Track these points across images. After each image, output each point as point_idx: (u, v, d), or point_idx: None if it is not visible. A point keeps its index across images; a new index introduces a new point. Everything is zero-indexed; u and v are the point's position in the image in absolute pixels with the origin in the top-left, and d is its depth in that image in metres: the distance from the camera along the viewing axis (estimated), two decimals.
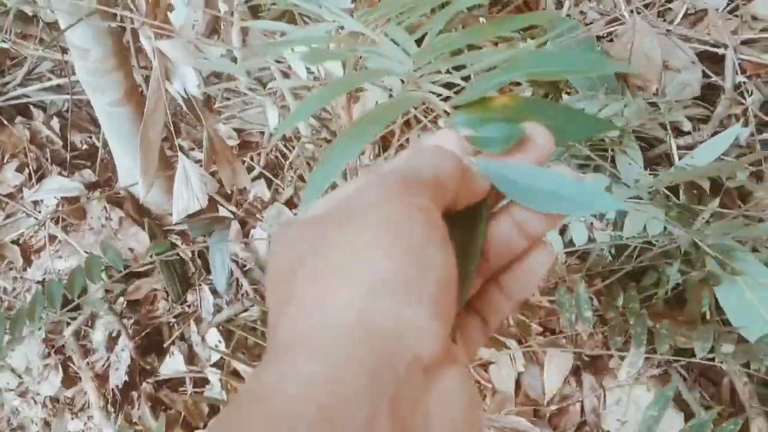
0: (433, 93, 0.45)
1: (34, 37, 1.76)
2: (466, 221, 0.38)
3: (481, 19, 1.54)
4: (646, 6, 1.66)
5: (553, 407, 1.28)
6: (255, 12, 1.31)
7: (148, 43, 1.21)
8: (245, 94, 1.45)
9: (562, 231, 1.43)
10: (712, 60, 1.57)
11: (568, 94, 1.38)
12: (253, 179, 1.56)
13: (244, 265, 1.49)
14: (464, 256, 0.37)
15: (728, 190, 1.28)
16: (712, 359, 1.10)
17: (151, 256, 1.14)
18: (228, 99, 1.62)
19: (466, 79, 0.54)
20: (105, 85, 1.26)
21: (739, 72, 1.52)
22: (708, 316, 1.19)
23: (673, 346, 1.16)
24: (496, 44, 1.47)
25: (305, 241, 0.32)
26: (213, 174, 1.42)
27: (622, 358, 1.25)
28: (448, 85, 0.49)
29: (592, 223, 1.36)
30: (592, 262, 1.28)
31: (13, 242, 1.53)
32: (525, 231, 0.39)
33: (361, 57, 0.66)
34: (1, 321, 1.14)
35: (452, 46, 0.52)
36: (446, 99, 0.44)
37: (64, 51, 1.57)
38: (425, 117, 1.46)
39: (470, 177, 0.37)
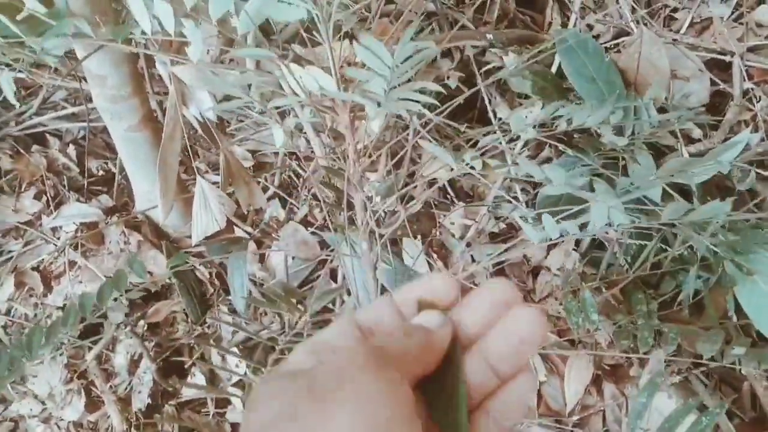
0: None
1: (48, 67, 1.79)
2: (444, 374, 0.40)
3: (489, 36, 1.56)
4: (652, 16, 1.68)
5: (575, 417, 1.28)
6: (267, 34, 1.33)
7: (164, 69, 1.24)
8: (259, 115, 1.47)
9: (578, 242, 1.43)
10: (720, 67, 1.58)
11: (578, 103, 1.39)
12: (268, 199, 1.58)
13: (262, 284, 1.50)
14: (449, 408, 0.39)
15: (740, 194, 1.29)
16: (733, 364, 1.10)
17: (170, 270, 1.15)
18: (241, 121, 1.64)
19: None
20: (122, 111, 1.28)
21: (746, 78, 1.54)
22: (734, 320, 1.19)
23: (693, 352, 1.16)
24: (505, 49, 1.49)
25: (283, 402, 0.33)
26: (229, 195, 1.44)
27: (642, 366, 1.25)
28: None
29: (606, 232, 1.37)
30: (607, 269, 1.29)
31: (33, 269, 1.55)
32: (497, 371, 0.40)
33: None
34: (21, 346, 1.15)
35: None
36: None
37: (81, 79, 1.60)
38: (423, 127, 1.47)
39: (431, 339, 0.39)
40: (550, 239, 0.84)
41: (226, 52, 1.39)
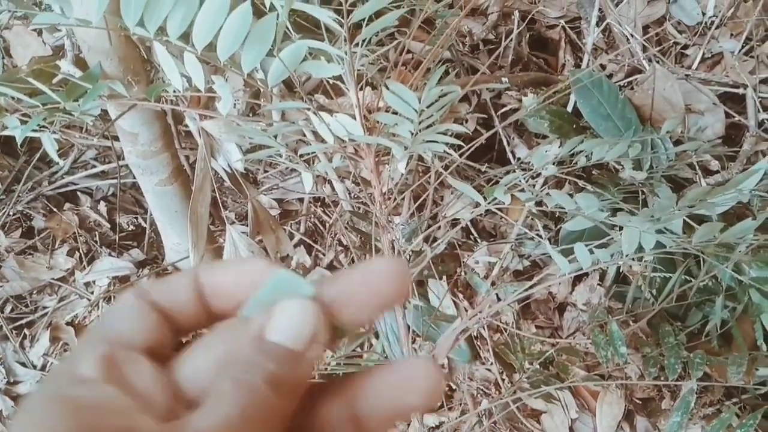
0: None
1: (79, 127, 1.85)
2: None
3: (504, 79, 1.60)
4: (663, 54, 1.72)
5: None
6: (290, 87, 1.38)
7: (193, 124, 1.29)
8: (284, 165, 1.51)
9: (602, 276, 1.45)
10: (733, 100, 1.61)
11: (594, 134, 1.42)
12: (294, 246, 1.61)
13: None
14: None
15: (763, 222, 1.30)
16: (762, 384, 1.10)
17: None
18: (266, 171, 1.69)
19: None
20: (153, 166, 1.33)
21: (761, 110, 1.56)
22: (764, 348, 1.19)
23: (724, 384, 1.16)
24: (521, 92, 1.53)
25: None
26: (257, 243, 1.47)
27: (674, 398, 1.25)
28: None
29: (630, 266, 1.38)
30: (632, 303, 1.29)
31: (67, 324, 1.58)
32: (361, 427, 0.30)
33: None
34: None
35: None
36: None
37: (114, 138, 1.66)
38: (445, 169, 1.50)
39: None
40: (579, 270, 0.86)
41: (253, 104, 1.44)
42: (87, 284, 1.63)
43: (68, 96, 1.11)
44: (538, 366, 1.29)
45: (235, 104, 1.27)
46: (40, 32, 1.77)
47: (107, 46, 1.13)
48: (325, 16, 0.71)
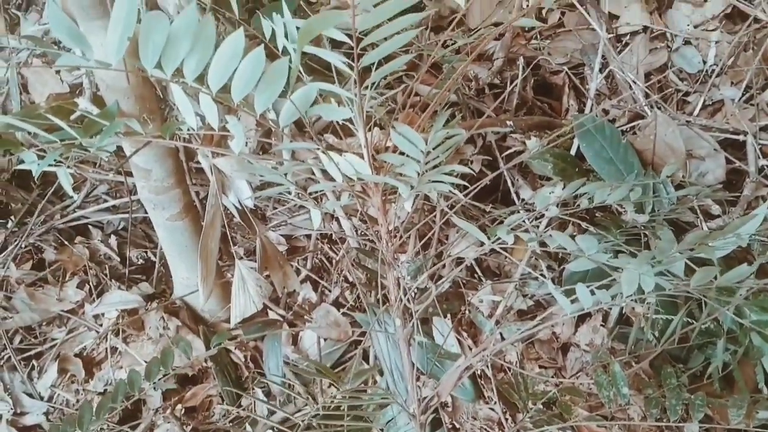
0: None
1: (92, 162, 1.90)
2: None
3: (509, 122, 1.64)
4: (665, 100, 1.76)
5: None
6: (300, 126, 1.42)
7: (206, 161, 1.32)
8: (293, 202, 1.54)
9: (605, 317, 1.46)
10: (734, 146, 1.64)
11: (597, 177, 1.45)
12: (301, 282, 1.63)
13: (295, 366, 1.54)
14: None
15: (762, 267, 1.32)
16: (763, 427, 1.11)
17: (214, 346, 1.20)
18: (275, 208, 1.72)
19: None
20: (165, 201, 1.36)
21: (761, 156, 1.59)
22: (765, 391, 1.20)
23: (726, 427, 1.17)
24: (525, 135, 1.56)
25: None
26: (265, 278, 1.49)
27: None
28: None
29: (633, 308, 1.40)
30: (635, 344, 1.31)
31: (75, 355, 1.60)
32: None
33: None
34: (72, 422, 1.18)
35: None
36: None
37: (127, 174, 1.69)
38: (450, 209, 1.52)
39: None
40: (581, 311, 0.87)
41: (263, 143, 1.48)
42: (96, 317, 1.65)
43: (86, 132, 1.15)
44: (541, 406, 1.30)
45: (246, 143, 1.30)
46: (58, 70, 1.83)
47: (125, 85, 1.17)
48: (336, 59, 0.75)
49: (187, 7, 0.69)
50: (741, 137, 1.63)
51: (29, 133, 1.19)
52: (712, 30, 1.80)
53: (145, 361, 1.54)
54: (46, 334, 1.65)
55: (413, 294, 1.13)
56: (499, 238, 0.81)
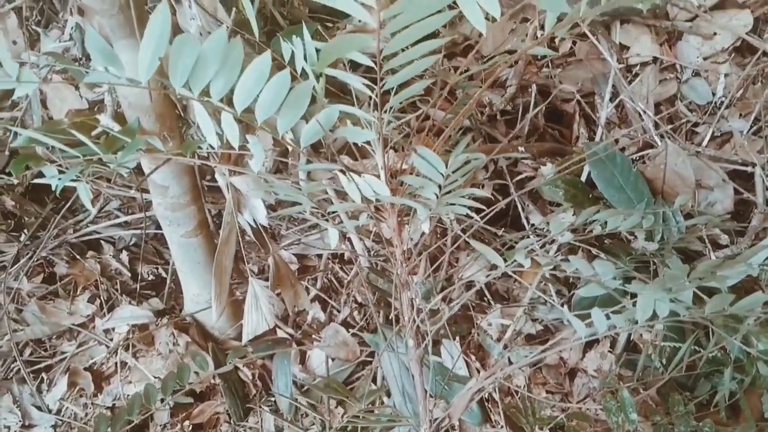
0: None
1: (107, 178, 1.92)
2: None
3: (521, 148, 1.66)
4: (675, 131, 1.78)
5: None
6: (315, 147, 1.44)
7: (223, 180, 1.34)
8: (306, 221, 1.56)
9: (613, 344, 1.47)
10: (742, 177, 1.66)
11: (607, 204, 1.46)
12: (311, 301, 1.64)
13: (303, 385, 1.54)
14: None
15: None
16: None
17: (230, 362, 1.21)
18: (289, 227, 1.74)
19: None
20: (181, 218, 1.38)
21: None
22: None
23: None
24: (536, 161, 1.58)
25: None
26: (276, 296, 1.51)
27: None
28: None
29: (641, 335, 1.41)
30: (643, 371, 1.31)
31: (85, 369, 1.61)
32: None
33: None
34: None
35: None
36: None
37: (143, 190, 1.71)
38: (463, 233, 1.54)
39: None
40: (592, 335, 0.89)
41: (279, 162, 1.50)
42: (106, 331, 1.67)
43: (107, 148, 1.17)
44: (548, 431, 1.30)
45: (264, 162, 1.32)
46: (77, 86, 1.86)
47: (147, 103, 1.19)
48: (357, 82, 0.77)
49: (216, 31, 0.72)
50: (749, 168, 1.64)
51: (48, 147, 1.22)
52: (722, 63, 1.82)
53: (155, 377, 1.55)
54: (56, 348, 1.67)
55: (426, 315, 1.14)
56: (514, 261, 0.83)
